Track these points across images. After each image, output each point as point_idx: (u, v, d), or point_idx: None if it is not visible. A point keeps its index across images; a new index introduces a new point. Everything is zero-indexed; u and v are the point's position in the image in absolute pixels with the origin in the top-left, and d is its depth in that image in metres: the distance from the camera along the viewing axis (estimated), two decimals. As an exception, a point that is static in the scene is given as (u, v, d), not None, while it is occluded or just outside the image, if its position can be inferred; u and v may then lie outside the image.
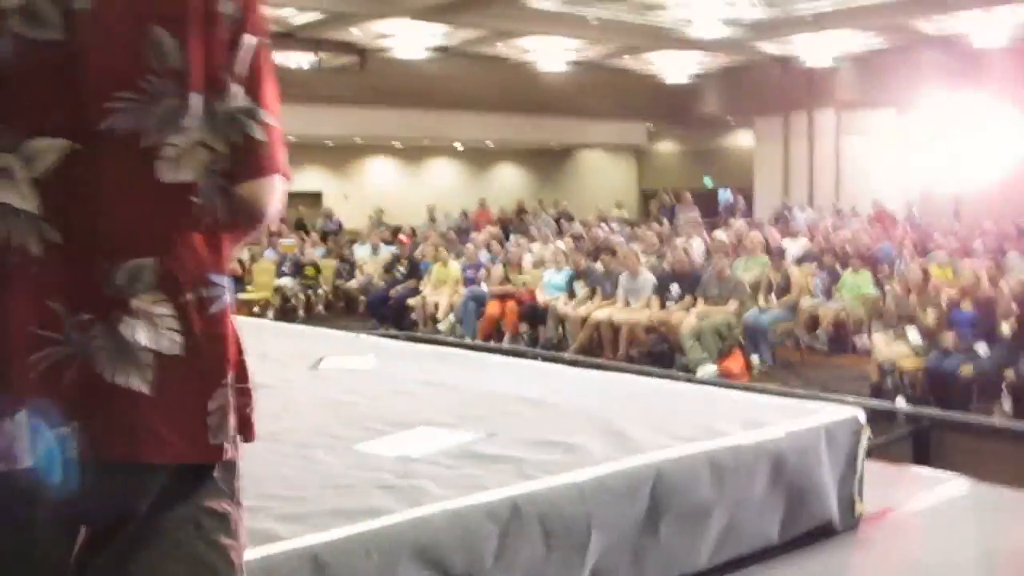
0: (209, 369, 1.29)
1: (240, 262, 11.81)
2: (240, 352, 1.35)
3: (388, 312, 11.72)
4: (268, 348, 4.11)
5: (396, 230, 16.60)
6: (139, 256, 1.26)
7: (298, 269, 12.96)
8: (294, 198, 15.90)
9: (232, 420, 1.31)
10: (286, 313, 12.09)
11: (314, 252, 13.89)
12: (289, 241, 14.33)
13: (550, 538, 2.30)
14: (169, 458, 1.27)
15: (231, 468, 1.35)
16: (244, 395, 1.35)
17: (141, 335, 1.25)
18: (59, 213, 1.24)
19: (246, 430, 1.35)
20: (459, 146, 23.46)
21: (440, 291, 11.47)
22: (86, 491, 1.26)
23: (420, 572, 2.13)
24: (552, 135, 22.17)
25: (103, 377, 1.24)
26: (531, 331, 10.59)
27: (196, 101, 1.28)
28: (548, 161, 24.97)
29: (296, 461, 2.55)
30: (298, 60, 17.21)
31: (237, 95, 1.31)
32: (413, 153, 23.36)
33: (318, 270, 13.12)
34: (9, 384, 1.22)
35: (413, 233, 16.06)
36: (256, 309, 11.68)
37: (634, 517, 2.47)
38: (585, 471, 2.44)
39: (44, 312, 1.23)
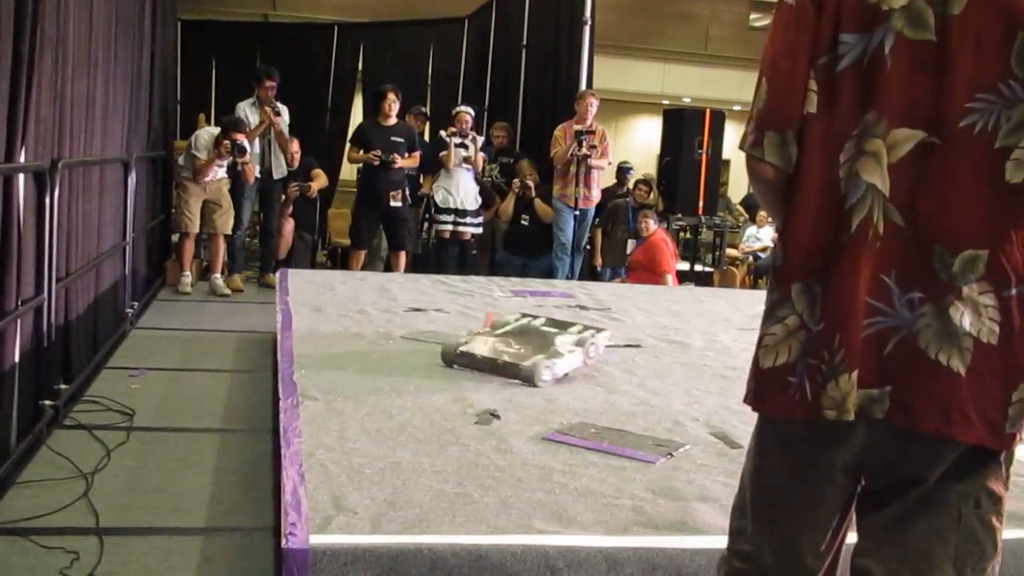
0: (1019, 362, 1.36)
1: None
2: None
3: None
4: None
5: None
6: (974, 247, 1.34)
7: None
8: None
9: None
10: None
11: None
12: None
13: None
14: (972, 438, 1.35)
15: (1011, 456, 1.43)
16: None
17: (966, 321, 1.34)
18: (905, 198, 1.34)
19: None
20: None
21: None
22: (883, 449, 1.40)
23: None
24: None
25: (925, 353, 1.33)
26: None
27: None
28: None
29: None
30: None
31: None
32: None
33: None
34: (844, 343, 1.34)
35: None
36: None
37: None
38: None
39: (878, 285, 1.35)
